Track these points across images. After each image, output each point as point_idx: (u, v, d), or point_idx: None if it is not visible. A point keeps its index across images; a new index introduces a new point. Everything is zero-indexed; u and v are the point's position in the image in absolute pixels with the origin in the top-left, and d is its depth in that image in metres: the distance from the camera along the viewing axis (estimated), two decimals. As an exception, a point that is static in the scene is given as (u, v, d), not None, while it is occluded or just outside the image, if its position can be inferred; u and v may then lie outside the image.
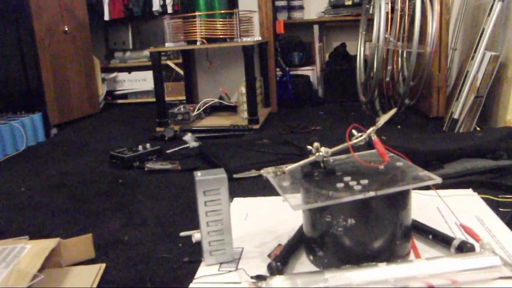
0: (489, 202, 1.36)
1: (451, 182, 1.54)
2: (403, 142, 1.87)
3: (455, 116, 2.36)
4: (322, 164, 1.04)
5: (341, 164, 1.10)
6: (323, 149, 1.02)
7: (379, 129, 1.06)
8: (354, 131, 1.03)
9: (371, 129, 1.02)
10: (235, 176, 1.08)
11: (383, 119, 1.06)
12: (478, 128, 2.32)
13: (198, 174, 1.01)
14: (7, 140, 2.48)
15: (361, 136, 1.02)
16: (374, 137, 1.01)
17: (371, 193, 0.92)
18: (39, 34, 2.93)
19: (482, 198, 1.39)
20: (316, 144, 1.02)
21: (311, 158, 1.03)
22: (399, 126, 2.57)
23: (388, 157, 1.05)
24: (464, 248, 1.01)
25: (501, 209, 1.32)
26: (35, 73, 2.88)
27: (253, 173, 1.01)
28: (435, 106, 2.71)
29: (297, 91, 3.52)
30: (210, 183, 0.99)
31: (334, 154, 1.04)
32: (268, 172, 1.02)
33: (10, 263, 1.02)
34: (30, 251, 1.07)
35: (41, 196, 1.77)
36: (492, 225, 1.18)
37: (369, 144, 1.07)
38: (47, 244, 1.10)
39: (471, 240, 1.08)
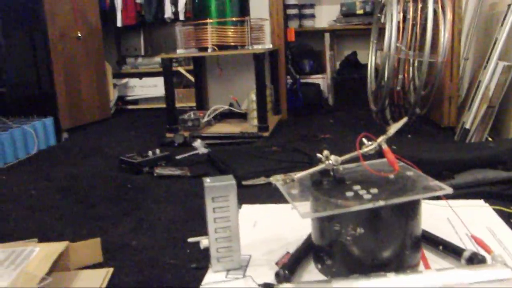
0: (500, 214, 1.34)
1: (462, 193, 1.53)
2: (414, 151, 1.86)
3: (467, 126, 2.34)
4: (331, 173, 1.03)
5: (351, 173, 1.09)
6: (332, 157, 1.01)
7: (390, 138, 1.05)
8: (364, 140, 1.02)
9: (381, 138, 1.01)
10: (244, 183, 1.08)
11: (393, 128, 1.05)
12: (490, 139, 2.29)
13: (207, 181, 1.01)
14: (19, 143, 2.50)
15: (371, 144, 1.01)
16: (384, 146, 1.01)
17: (381, 202, 0.91)
18: (52, 39, 2.96)
19: (493, 209, 1.37)
20: (325, 152, 1.01)
21: (321, 166, 1.02)
22: (410, 136, 2.56)
23: (398, 166, 1.04)
24: (475, 260, 0.99)
25: (512, 221, 1.31)
26: (48, 78, 2.91)
27: (262, 180, 1.01)
28: (446, 115, 2.69)
29: (307, 99, 3.52)
30: (219, 189, 0.99)
31: (344, 162, 1.03)
32: (277, 180, 1.01)
33: (19, 265, 1.03)
34: (38, 254, 1.08)
35: (50, 199, 1.78)
36: (504, 236, 1.17)
37: (379, 153, 1.06)
38: (55, 248, 1.11)
39: (482, 252, 1.06)
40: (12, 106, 2.90)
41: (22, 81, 2.91)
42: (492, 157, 1.73)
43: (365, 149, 1.02)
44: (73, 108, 3.20)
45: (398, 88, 2.76)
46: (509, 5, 2.26)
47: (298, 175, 1.03)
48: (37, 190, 1.92)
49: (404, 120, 1.11)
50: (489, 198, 1.50)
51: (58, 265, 1.12)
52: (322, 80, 3.70)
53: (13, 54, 2.88)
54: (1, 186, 2.02)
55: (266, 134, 2.71)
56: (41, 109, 2.87)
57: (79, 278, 1.11)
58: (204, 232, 1.08)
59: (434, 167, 1.70)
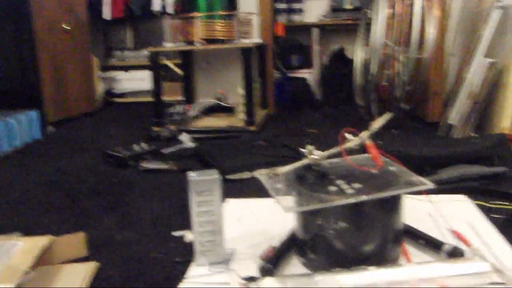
0: (481, 208, 1.36)
1: (445, 188, 1.55)
2: (399, 146, 1.87)
3: (451, 121, 2.37)
4: (315, 167, 1.04)
5: (335, 168, 1.10)
6: (316, 152, 1.02)
7: (376, 133, 1.06)
8: (347, 135, 1.03)
9: (364, 133, 1.02)
10: (228, 177, 1.08)
11: (377, 123, 1.06)
12: (473, 134, 2.32)
13: (192, 175, 1.01)
14: (3, 136, 2.47)
15: (354, 140, 1.02)
16: (368, 141, 1.02)
17: (363, 197, 0.93)
18: (38, 31, 2.93)
19: (475, 204, 1.39)
20: (309, 147, 1.02)
21: (305, 161, 1.03)
22: (395, 131, 2.58)
23: (381, 162, 1.05)
24: (454, 254, 1.01)
25: (493, 215, 1.33)
26: (33, 70, 2.88)
27: (246, 174, 1.02)
28: (431, 111, 2.72)
29: (295, 94, 3.52)
30: (203, 184, 1.00)
31: (328, 157, 1.04)
32: (261, 174, 1.02)
33: (1, 259, 1.02)
34: (22, 248, 1.07)
35: (35, 193, 1.77)
36: (484, 231, 1.19)
37: (364, 148, 1.07)
38: (39, 242, 1.10)
39: (462, 246, 1.08)
40: (-4, 98, 2.87)
41: (6, 73, 2.88)
42: (474, 153, 1.76)
43: (348, 144, 1.03)
44: (59, 101, 3.17)
45: (385, 83, 2.78)
46: (493, 2, 2.28)
47: (282, 169, 1.03)
48: (21, 184, 1.91)
49: (388, 115, 1.13)
50: (472, 193, 1.52)
51: (42, 259, 1.12)
52: (310, 75, 3.71)
53: (-3, 46, 2.85)
54: (-15, 179, 2.00)
55: (253, 128, 2.71)
56: (27, 102, 2.85)
57: (63, 272, 1.11)
58: (189, 226, 1.09)
59: (418, 162, 1.72)
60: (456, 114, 2.35)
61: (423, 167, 1.71)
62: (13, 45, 2.85)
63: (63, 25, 3.21)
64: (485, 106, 2.31)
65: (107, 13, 3.93)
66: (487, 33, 2.28)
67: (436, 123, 2.67)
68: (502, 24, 2.29)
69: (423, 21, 2.42)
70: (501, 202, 1.42)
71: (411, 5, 2.52)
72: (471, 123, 2.31)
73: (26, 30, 2.84)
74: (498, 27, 2.31)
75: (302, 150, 1.04)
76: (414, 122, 2.83)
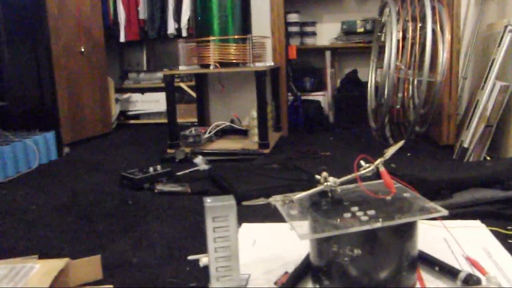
0: (497, 234, 1.35)
1: (460, 212, 1.54)
2: (413, 170, 1.87)
3: (465, 144, 2.36)
4: (330, 194, 1.05)
5: (349, 194, 1.11)
6: (331, 178, 1.03)
7: (390, 156, 1.07)
8: (362, 162, 1.04)
9: (378, 160, 1.03)
10: (244, 203, 1.09)
11: (391, 150, 1.07)
12: (488, 158, 2.31)
13: (208, 201, 1.02)
14: (20, 157, 2.52)
15: (368, 167, 1.03)
16: (382, 168, 1.03)
17: (378, 224, 0.93)
18: (56, 54, 3.00)
19: (490, 230, 1.38)
20: (324, 173, 1.03)
21: (319, 188, 1.04)
22: (409, 154, 2.57)
23: (395, 188, 1.06)
24: (470, 281, 1.01)
25: (509, 241, 1.32)
26: (50, 92, 2.94)
27: (261, 201, 1.03)
28: (445, 134, 2.72)
29: (308, 116, 3.54)
30: (219, 210, 1.01)
31: (342, 183, 1.05)
32: (276, 200, 1.03)
33: (19, 282, 1.04)
34: (39, 271, 1.09)
35: (51, 215, 1.80)
36: (499, 258, 1.18)
37: (377, 174, 1.08)
38: (55, 264, 1.12)
39: (477, 273, 1.08)
40: (14, 120, 2.93)
41: (24, 95, 2.94)
42: (489, 177, 1.75)
43: (362, 171, 1.03)
44: (75, 123, 3.22)
45: (398, 106, 2.79)
46: (505, 26, 2.29)
47: (297, 196, 1.04)
48: (37, 205, 1.94)
49: (401, 143, 1.13)
50: (487, 217, 1.51)
51: (58, 282, 1.13)
52: (322, 98, 3.73)
53: (16, 68, 2.91)
54: (1, 200, 2.03)
55: (266, 151, 2.72)
56: (43, 123, 2.90)
57: (79, 295, 1.12)
58: (204, 249, 1.10)
59: (432, 186, 1.72)
60: (469, 137, 2.35)
61: (437, 190, 1.70)
62: (31, 67, 2.92)
63: (80, 48, 3.29)
64: (498, 129, 2.31)
65: (123, 36, 4.00)
66: (499, 56, 2.29)
67: (450, 146, 2.67)
68: (515, 48, 2.30)
69: (435, 45, 2.44)
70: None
71: (423, 28, 2.54)
72: (485, 146, 2.30)
73: (44, 52, 2.90)
74: (511, 50, 2.32)
75: (317, 176, 1.04)
76: (427, 145, 2.82)
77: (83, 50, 3.32)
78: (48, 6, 2.91)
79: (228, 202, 1.01)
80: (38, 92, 2.94)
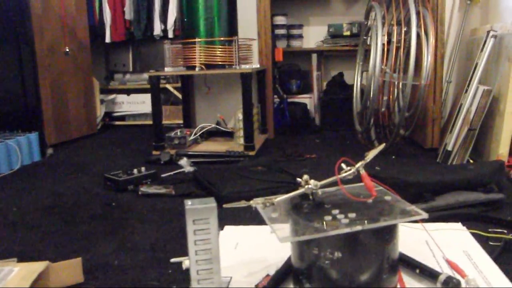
0: (477, 237, 1.36)
1: (442, 215, 1.55)
2: (397, 173, 1.89)
3: (449, 148, 2.39)
4: (311, 197, 1.05)
5: (330, 197, 1.11)
6: (312, 181, 1.03)
7: (374, 159, 1.07)
8: (343, 165, 1.05)
9: (359, 163, 1.04)
10: (224, 206, 1.09)
11: (372, 153, 1.08)
12: (471, 161, 2.34)
13: (188, 203, 1.02)
14: (2, 158, 2.49)
15: (349, 170, 1.04)
16: (362, 171, 1.03)
17: (358, 227, 0.93)
18: (40, 54, 2.97)
19: (471, 232, 1.40)
20: (305, 176, 1.03)
21: (300, 190, 1.04)
22: (393, 157, 2.59)
23: (375, 192, 1.06)
24: (450, 284, 1.02)
25: (491, 243, 1.33)
26: (34, 93, 2.91)
27: (242, 203, 1.03)
28: (429, 137, 2.74)
29: (294, 119, 3.55)
30: (199, 212, 1.00)
31: (323, 186, 1.05)
32: (257, 203, 1.03)
33: (-2, 286, 1.02)
34: (17, 274, 1.08)
35: (32, 217, 1.78)
36: (479, 260, 1.19)
37: (359, 177, 1.08)
38: (35, 267, 1.10)
39: (457, 276, 1.09)
40: (-3, 121, 2.90)
41: (7, 95, 2.90)
42: (472, 180, 1.77)
43: (343, 174, 1.04)
44: (59, 123, 3.19)
45: (383, 109, 2.81)
46: (488, 32, 2.32)
47: (278, 198, 1.04)
48: (19, 207, 1.91)
49: (382, 146, 1.14)
50: (469, 220, 1.53)
51: (38, 285, 1.12)
52: (309, 100, 3.74)
53: (-1, 68, 2.88)
54: (-16, 202, 2.00)
55: (252, 153, 2.72)
56: (26, 124, 2.87)
57: (59, 298, 1.11)
58: (187, 251, 1.09)
59: (416, 189, 1.74)
60: (453, 140, 2.37)
61: (420, 193, 1.72)
62: (14, 68, 2.88)
63: (65, 48, 3.26)
64: (481, 133, 2.33)
65: (108, 36, 3.98)
66: (482, 61, 2.31)
67: (434, 149, 2.69)
68: (497, 52, 2.33)
69: (420, 49, 2.46)
70: (499, 230, 1.43)
71: (408, 32, 2.56)
72: (468, 149, 2.33)
73: (27, 52, 2.87)
74: (493, 55, 2.35)
75: (299, 179, 1.05)
76: (412, 148, 2.84)
77: (67, 50, 3.30)
78: (32, 5, 2.88)
79: (209, 204, 1.00)
80: (21, 93, 2.91)
